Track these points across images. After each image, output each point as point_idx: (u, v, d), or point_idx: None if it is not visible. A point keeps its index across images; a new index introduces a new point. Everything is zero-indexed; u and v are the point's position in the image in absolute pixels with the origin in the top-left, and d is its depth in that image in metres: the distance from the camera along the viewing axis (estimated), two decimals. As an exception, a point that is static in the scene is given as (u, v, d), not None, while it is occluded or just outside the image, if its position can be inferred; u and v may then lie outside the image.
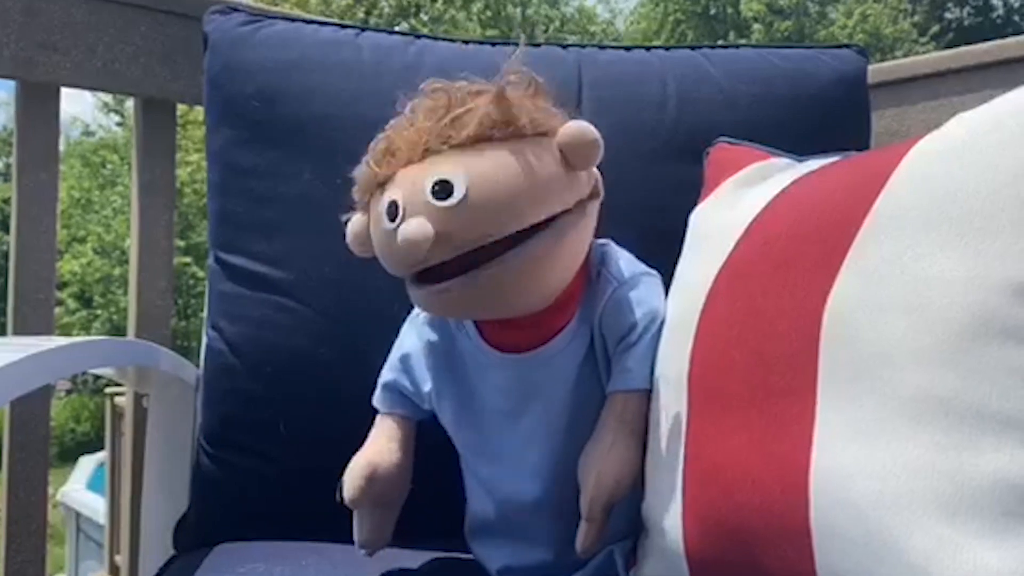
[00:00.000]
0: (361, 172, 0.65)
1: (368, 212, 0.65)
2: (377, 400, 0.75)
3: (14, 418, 1.02)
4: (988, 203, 0.44)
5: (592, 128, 0.62)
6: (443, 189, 0.58)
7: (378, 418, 0.74)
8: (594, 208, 0.66)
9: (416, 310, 0.75)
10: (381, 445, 0.71)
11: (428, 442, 0.74)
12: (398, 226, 0.59)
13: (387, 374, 0.75)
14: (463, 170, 0.59)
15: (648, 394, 0.66)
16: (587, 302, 0.68)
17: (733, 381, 0.56)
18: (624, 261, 0.70)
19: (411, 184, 0.60)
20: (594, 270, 0.70)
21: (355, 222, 0.66)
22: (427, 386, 0.72)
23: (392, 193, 0.61)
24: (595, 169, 0.66)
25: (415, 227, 0.58)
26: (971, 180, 0.46)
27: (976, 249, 0.44)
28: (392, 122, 0.65)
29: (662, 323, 0.67)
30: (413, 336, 0.75)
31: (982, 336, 0.43)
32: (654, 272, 0.71)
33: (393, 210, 0.60)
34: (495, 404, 0.70)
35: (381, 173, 0.63)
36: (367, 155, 0.65)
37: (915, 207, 0.48)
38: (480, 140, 0.61)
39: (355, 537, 0.70)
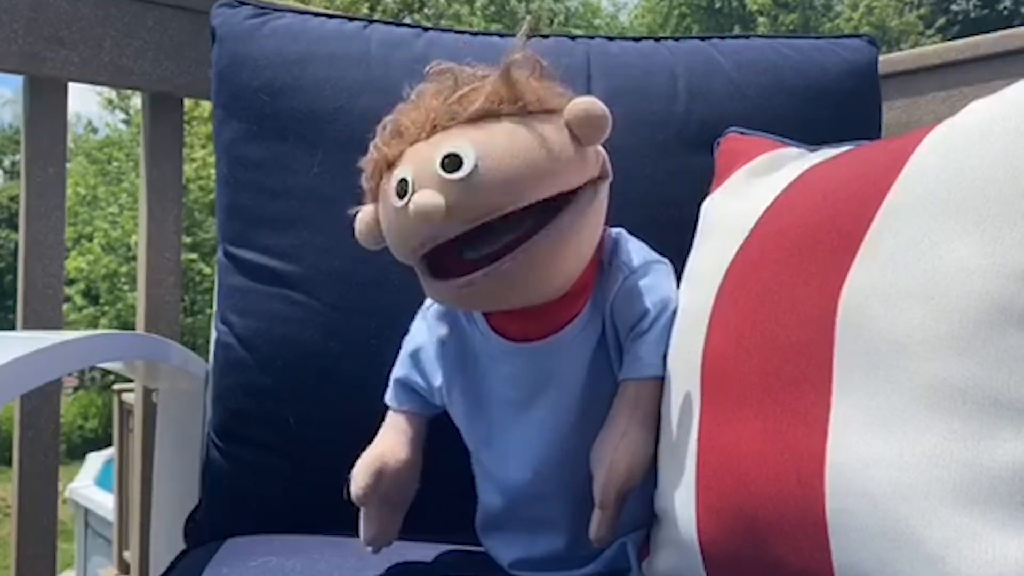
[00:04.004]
0: (369, 156, 0.65)
1: (377, 201, 0.65)
2: (388, 397, 0.74)
3: (23, 415, 1.02)
4: (1006, 190, 0.44)
5: (600, 103, 0.62)
6: (453, 162, 0.58)
7: (388, 415, 0.74)
8: (605, 189, 0.65)
9: (427, 303, 0.75)
10: (390, 442, 0.71)
11: (440, 435, 0.74)
12: (408, 201, 0.59)
13: (398, 370, 0.75)
14: (472, 143, 0.59)
15: (660, 382, 0.66)
16: (599, 290, 0.68)
17: (747, 370, 0.55)
18: (635, 249, 0.70)
19: (420, 160, 0.60)
20: (606, 258, 0.69)
21: (364, 212, 0.66)
22: (438, 381, 0.72)
23: (402, 171, 0.61)
24: (602, 150, 0.66)
25: (426, 197, 0.57)
26: (988, 167, 0.45)
27: (994, 236, 0.44)
28: (399, 106, 0.65)
29: (674, 311, 0.67)
30: (423, 330, 0.74)
31: (1000, 324, 0.43)
32: (665, 260, 0.71)
33: (403, 187, 0.60)
34: (505, 395, 0.69)
35: (390, 153, 0.63)
36: (375, 139, 0.65)
37: (931, 194, 0.47)
38: (488, 116, 0.61)
39: (361, 534, 0.70)
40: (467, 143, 0.59)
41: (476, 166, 0.58)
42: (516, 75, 0.62)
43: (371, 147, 0.65)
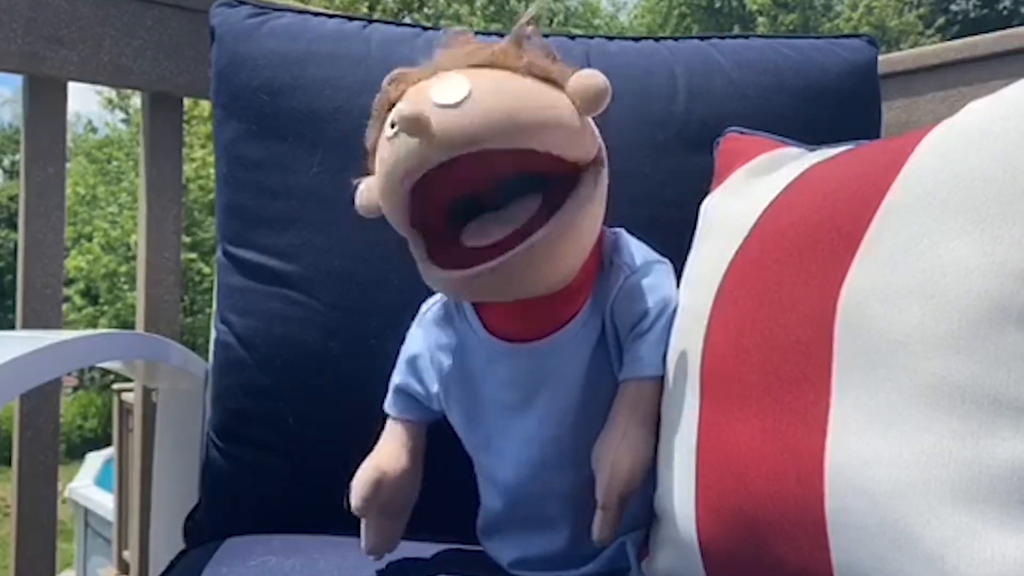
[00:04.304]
0: (374, 104, 0.65)
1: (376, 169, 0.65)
2: (387, 405, 0.74)
3: (23, 414, 1.02)
4: (1005, 189, 0.44)
5: (601, 75, 0.62)
6: (445, 91, 0.59)
7: (388, 423, 0.74)
8: (604, 178, 0.65)
9: (423, 309, 0.75)
10: (389, 452, 0.71)
11: (440, 436, 0.74)
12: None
13: (396, 377, 0.75)
14: (469, 78, 0.60)
15: (660, 382, 0.66)
16: (599, 290, 0.68)
17: (746, 370, 0.55)
18: (635, 249, 0.70)
19: (416, 93, 0.61)
20: (606, 257, 0.69)
21: (366, 181, 0.66)
22: (435, 387, 0.72)
23: (397, 107, 0.61)
24: (599, 138, 0.66)
25: (411, 106, 0.58)
26: (987, 166, 0.45)
27: (993, 236, 0.44)
28: None
29: (674, 311, 0.67)
30: (420, 337, 0.74)
31: (999, 323, 0.43)
32: (665, 260, 0.71)
33: (396, 117, 0.60)
34: (502, 397, 0.69)
35: (393, 92, 0.63)
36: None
37: (930, 194, 0.47)
38: (492, 66, 0.62)
39: (362, 543, 0.70)
40: (465, 78, 0.60)
41: (468, 95, 0.58)
42: (525, 44, 0.63)
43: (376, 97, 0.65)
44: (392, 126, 0.60)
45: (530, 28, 0.64)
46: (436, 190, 0.60)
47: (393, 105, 0.63)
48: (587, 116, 0.63)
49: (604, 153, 0.66)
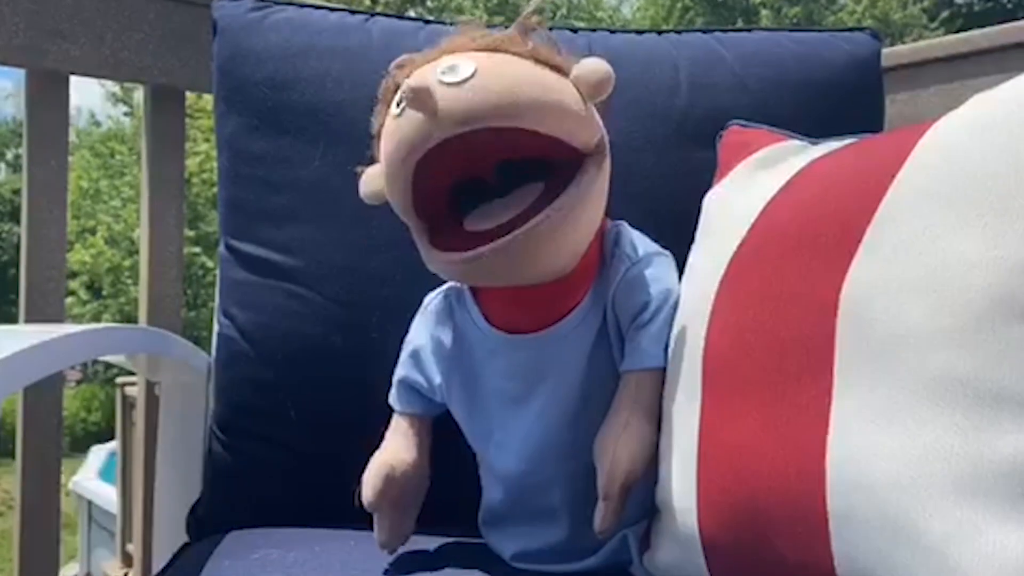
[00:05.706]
0: (380, 89, 0.66)
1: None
2: (392, 399, 0.75)
3: (27, 407, 1.03)
4: (1009, 183, 0.44)
5: (605, 63, 0.63)
6: (451, 69, 0.59)
7: (394, 418, 0.74)
8: (606, 167, 0.65)
9: (426, 302, 0.75)
10: (397, 446, 0.71)
11: (443, 428, 0.74)
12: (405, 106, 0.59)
13: (400, 371, 0.75)
14: (475, 59, 0.60)
15: (663, 373, 0.66)
16: (600, 281, 0.68)
17: (748, 364, 0.55)
18: (637, 241, 0.70)
19: (421, 71, 0.61)
20: (608, 249, 0.69)
21: (370, 168, 0.66)
22: (438, 379, 0.72)
23: (403, 86, 0.61)
24: (602, 126, 0.66)
25: (417, 79, 0.58)
26: (991, 160, 0.45)
27: (996, 230, 0.44)
28: None
29: (676, 302, 0.67)
30: (422, 330, 0.74)
31: (1002, 317, 0.43)
32: (667, 252, 0.71)
33: (401, 96, 0.60)
34: (503, 388, 0.69)
35: (399, 76, 0.64)
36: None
37: (934, 187, 0.47)
38: (497, 51, 0.62)
39: (376, 537, 0.70)
40: (469, 59, 0.60)
41: (473, 73, 0.59)
42: (530, 33, 0.64)
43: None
44: (398, 104, 0.60)
45: (535, 19, 0.64)
46: (439, 170, 0.61)
47: (399, 89, 0.63)
48: (591, 102, 0.64)
49: (607, 141, 0.66)
